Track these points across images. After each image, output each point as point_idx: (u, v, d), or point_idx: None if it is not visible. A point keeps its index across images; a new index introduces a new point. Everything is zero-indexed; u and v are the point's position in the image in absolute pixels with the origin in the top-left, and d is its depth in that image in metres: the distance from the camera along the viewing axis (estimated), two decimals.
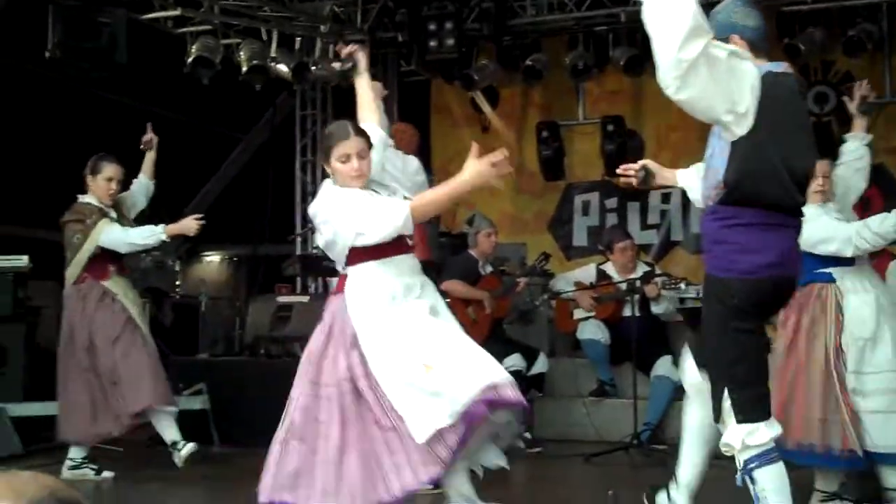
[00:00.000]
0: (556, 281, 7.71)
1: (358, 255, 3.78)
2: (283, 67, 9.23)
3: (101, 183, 5.92)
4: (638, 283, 6.95)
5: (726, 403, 3.50)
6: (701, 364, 3.81)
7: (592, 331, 7.28)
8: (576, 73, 9.24)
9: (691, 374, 3.91)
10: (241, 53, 9.06)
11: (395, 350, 3.68)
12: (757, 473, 3.47)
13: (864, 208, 5.79)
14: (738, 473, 3.52)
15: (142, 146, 6.28)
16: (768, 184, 3.47)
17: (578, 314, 7.44)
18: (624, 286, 7.09)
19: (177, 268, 8.48)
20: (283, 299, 7.70)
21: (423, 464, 3.55)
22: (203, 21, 8.94)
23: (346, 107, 9.41)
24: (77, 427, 5.79)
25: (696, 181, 3.97)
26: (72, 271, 5.85)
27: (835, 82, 8.96)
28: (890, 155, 8.63)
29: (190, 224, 5.88)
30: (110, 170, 5.95)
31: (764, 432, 3.48)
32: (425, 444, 3.54)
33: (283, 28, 9.26)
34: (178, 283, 8.46)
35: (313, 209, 3.87)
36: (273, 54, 9.16)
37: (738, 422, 3.47)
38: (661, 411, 6.88)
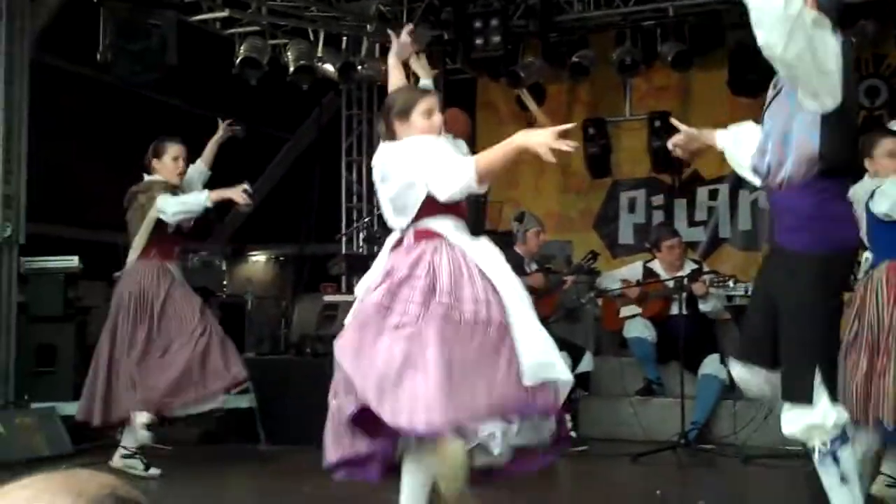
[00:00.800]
0: (603, 279, 7.65)
1: (434, 208, 3.66)
2: (329, 67, 9.28)
3: (168, 163, 5.90)
4: (685, 281, 6.88)
5: (817, 381, 3.43)
6: (749, 359, 3.75)
7: (639, 329, 7.23)
8: (623, 69, 9.16)
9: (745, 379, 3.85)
10: (289, 54, 9.13)
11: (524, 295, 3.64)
12: (841, 453, 3.47)
13: None
14: (820, 455, 3.49)
15: (231, 132, 6.35)
16: (854, 154, 3.58)
17: (625, 312, 7.39)
18: (671, 284, 7.03)
19: (223, 267, 8.54)
20: (329, 298, 7.72)
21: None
22: (251, 22, 9.02)
23: None
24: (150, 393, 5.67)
25: (742, 153, 3.85)
26: (137, 242, 5.80)
27: (887, 76, 8.81)
28: None
29: (236, 192, 5.81)
30: (175, 149, 5.92)
31: (843, 411, 3.51)
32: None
33: (329, 28, 9.31)
34: (224, 282, 8.53)
35: (384, 157, 3.77)
36: (319, 54, 9.21)
37: (832, 400, 3.46)
38: (709, 410, 6.81)
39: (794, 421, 3.51)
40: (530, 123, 10.14)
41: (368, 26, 9.39)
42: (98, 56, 7.42)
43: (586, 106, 10.02)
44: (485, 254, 3.66)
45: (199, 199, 5.83)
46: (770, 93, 3.69)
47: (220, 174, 6.35)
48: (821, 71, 3.36)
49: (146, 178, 5.96)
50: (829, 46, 3.38)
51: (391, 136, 3.81)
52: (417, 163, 3.65)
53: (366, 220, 10.00)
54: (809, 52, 3.31)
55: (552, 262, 7.76)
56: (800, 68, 3.35)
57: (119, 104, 9.03)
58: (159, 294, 5.77)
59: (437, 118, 3.79)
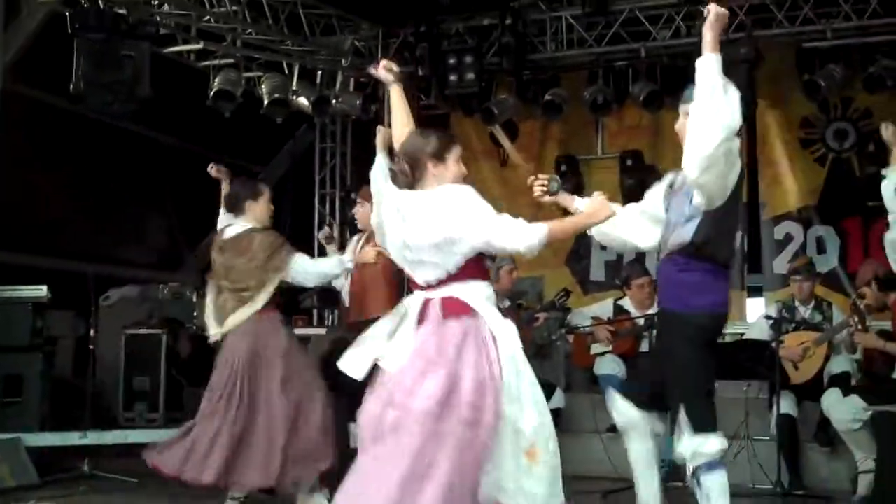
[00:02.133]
0: (574, 316, 7.68)
1: (472, 269, 3.60)
2: (303, 101, 9.31)
3: (263, 206, 5.60)
4: (655, 319, 6.90)
5: (681, 417, 4.11)
6: (637, 401, 4.43)
7: (610, 366, 7.25)
8: (595, 108, 9.25)
9: (625, 411, 4.46)
10: (263, 87, 9.15)
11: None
12: (708, 476, 4.06)
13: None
14: (693, 476, 4.12)
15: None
16: (725, 247, 4.15)
17: (596, 349, 7.41)
18: (641, 321, 7.06)
19: (194, 298, 8.50)
20: (300, 331, 7.69)
21: None
22: (225, 55, 9.03)
23: (365, 140, 9.51)
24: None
25: (632, 225, 4.47)
26: (261, 297, 5.38)
27: (854, 118, 8.94)
28: None
29: (370, 253, 5.63)
30: (268, 192, 5.66)
31: (724, 441, 4.12)
32: None
33: (304, 62, 9.35)
34: (195, 313, 8.48)
35: (414, 202, 3.62)
36: (294, 87, 9.24)
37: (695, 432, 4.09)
38: None
39: (688, 446, 4.10)
40: (503, 160, 10.24)
41: (343, 60, 9.44)
42: (71, 87, 7.38)
43: (559, 143, 10.10)
44: (509, 338, 3.61)
45: (336, 266, 5.65)
46: (667, 181, 4.38)
47: (193, 206, 6.32)
48: (722, 188, 4.01)
49: (233, 218, 5.58)
50: (735, 169, 4.01)
51: (415, 178, 3.66)
52: (466, 217, 3.52)
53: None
54: (719, 181, 3.97)
55: (524, 299, 7.79)
56: (705, 188, 3.99)
57: (92, 135, 8.99)
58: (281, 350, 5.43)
59: (463, 168, 3.75)
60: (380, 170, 4.04)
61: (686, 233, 4.12)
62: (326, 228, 6.55)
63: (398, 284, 5.69)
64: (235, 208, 5.58)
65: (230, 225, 5.57)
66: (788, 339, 6.36)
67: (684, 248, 4.12)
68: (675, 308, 4.19)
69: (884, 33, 8.40)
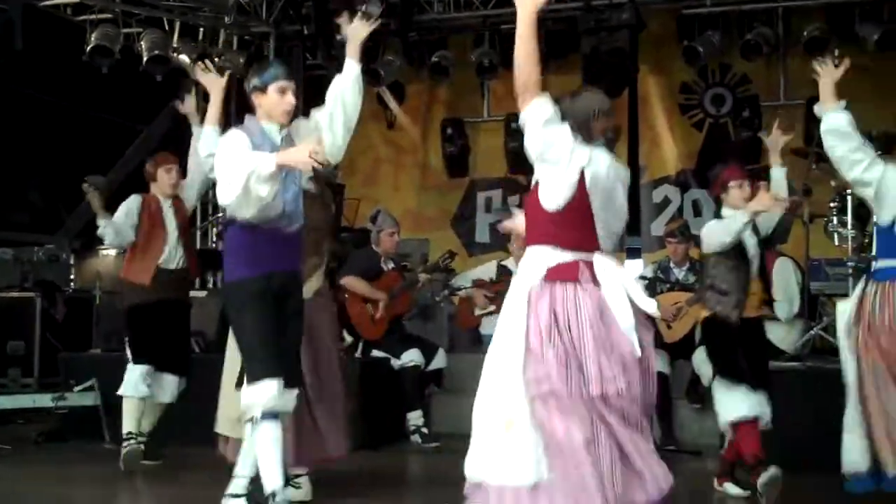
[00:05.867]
0: (458, 279, 7.75)
1: None
2: (185, 58, 9.08)
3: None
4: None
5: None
6: None
7: (495, 326, 7.31)
8: (481, 71, 9.29)
9: None
10: (143, 43, 8.90)
11: None
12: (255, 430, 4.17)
13: None
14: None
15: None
16: None
17: (479, 310, 7.49)
18: None
19: (71, 261, 8.28)
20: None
21: None
22: (103, 9, 8.75)
23: (248, 99, 9.36)
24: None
25: None
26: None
27: (732, 85, 9.18)
28: (785, 155, 8.86)
29: None
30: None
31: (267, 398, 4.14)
32: None
33: (185, 18, 9.12)
34: (71, 276, 8.27)
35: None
36: (175, 45, 9.01)
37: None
38: None
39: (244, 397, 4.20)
40: (390, 122, 10.21)
41: (226, 18, 9.24)
42: None
43: (445, 106, 10.12)
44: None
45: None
46: None
47: (71, 165, 6.15)
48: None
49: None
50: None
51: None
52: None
53: (220, 214, 9.82)
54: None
55: (409, 261, 7.81)
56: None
57: None
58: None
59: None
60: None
61: None
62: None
63: None
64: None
65: None
66: (663, 300, 6.52)
67: None
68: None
69: (759, 1, 8.65)
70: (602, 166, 3.34)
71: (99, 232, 5.98)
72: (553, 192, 3.34)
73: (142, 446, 5.79)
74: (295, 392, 4.34)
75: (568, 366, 3.23)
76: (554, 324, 3.28)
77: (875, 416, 4.20)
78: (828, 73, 4.34)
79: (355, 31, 4.57)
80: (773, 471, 4.70)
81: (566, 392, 3.21)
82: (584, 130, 3.38)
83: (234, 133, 4.25)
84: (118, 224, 5.92)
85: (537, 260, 3.38)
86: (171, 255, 5.95)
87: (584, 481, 3.15)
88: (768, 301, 5.47)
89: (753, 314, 5.08)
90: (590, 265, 3.33)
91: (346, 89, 4.48)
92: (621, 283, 3.34)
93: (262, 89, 4.34)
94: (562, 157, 3.31)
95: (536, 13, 3.39)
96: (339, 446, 4.88)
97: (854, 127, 4.26)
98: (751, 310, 5.04)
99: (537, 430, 3.25)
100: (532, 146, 3.36)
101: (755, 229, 5.01)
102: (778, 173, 5.16)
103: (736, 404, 4.88)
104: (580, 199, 3.33)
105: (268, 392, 4.14)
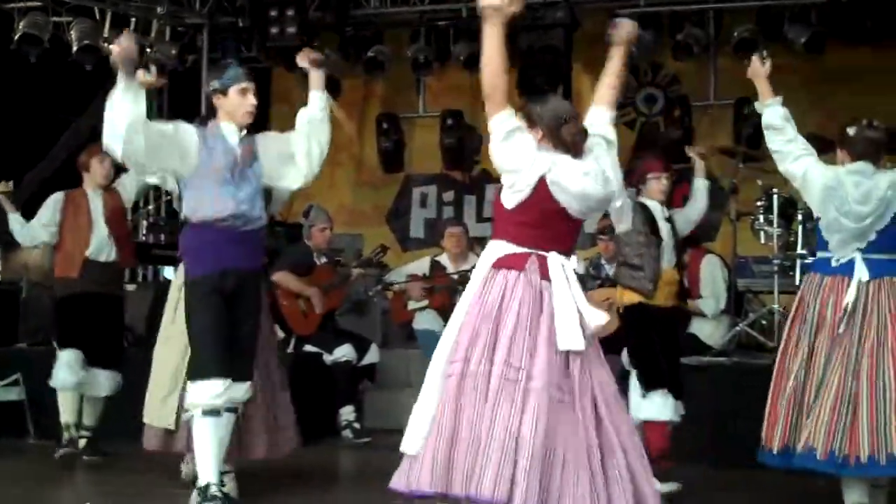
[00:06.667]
0: (391, 274, 7.75)
1: None
2: (116, 48, 8.92)
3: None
4: (470, 274, 7.03)
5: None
6: None
7: (429, 321, 7.35)
8: (417, 67, 9.30)
9: None
10: (72, 32, 8.75)
11: None
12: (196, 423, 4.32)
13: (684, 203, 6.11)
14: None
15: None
16: None
17: (413, 305, 7.50)
18: (456, 276, 7.19)
19: None
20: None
21: None
22: None
23: (183, 90, 9.26)
24: None
25: None
26: None
27: (663, 84, 9.30)
28: (713, 155, 9.01)
29: None
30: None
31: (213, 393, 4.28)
32: None
33: (117, 8, 8.99)
34: None
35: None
36: (106, 34, 8.86)
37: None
38: None
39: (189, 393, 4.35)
40: None
41: (159, 8, 9.12)
42: None
43: (381, 101, 10.11)
44: None
45: None
46: None
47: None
48: None
49: None
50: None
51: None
52: None
53: (150, 207, 9.70)
54: None
55: (342, 256, 7.78)
56: None
57: None
58: None
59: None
60: None
61: None
62: None
63: None
64: None
65: None
66: (594, 295, 6.60)
67: None
68: None
69: (691, 3, 8.78)
70: (565, 171, 3.44)
71: (10, 229, 5.99)
72: (511, 193, 3.47)
73: (82, 441, 5.77)
74: (247, 385, 4.44)
75: (485, 346, 3.31)
76: (485, 306, 3.38)
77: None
78: (757, 71, 4.46)
79: (316, 62, 4.72)
80: (674, 486, 4.82)
81: (475, 371, 3.28)
82: (554, 135, 3.49)
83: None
84: (32, 226, 5.97)
85: (492, 252, 3.50)
86: (100, 247, 5.87)
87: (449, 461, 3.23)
88: (686, 294, 5.55)
89: (669, 304, 5.19)
90: (542, 260, 3.42)
91: (314, 124, 4.64)
92: (574, 284, 3.43)
93: (223, 91, 4.44)
94: (522, 165, 3.42)
95: (504, 23, 3.46)
96: (279, 442, 4.87)
97: (788, 120, 4.40)
98: (666, 299, 5.14)
99: (436, 405, 3.35)
100: (495, 155, 3.48)
101: (671, 220, 5.16)
102: (700, 183, 5.47)
103: (649, 407, 4.97)
104: (537, 201, 3.43)
105: (211, 391, 4.28)
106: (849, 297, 4.21)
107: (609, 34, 3.73)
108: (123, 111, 4.22)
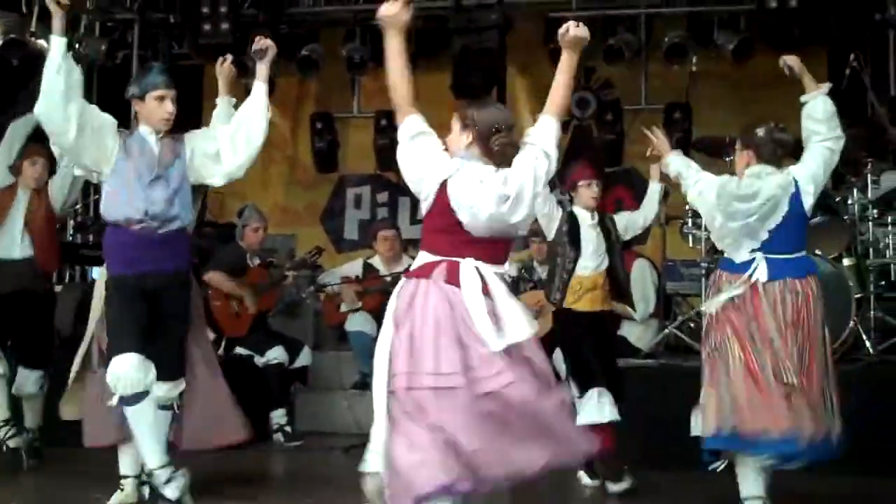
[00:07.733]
0: (324, 276, 7.72)
1: None
2: (43, 43, 8.76)
3: None
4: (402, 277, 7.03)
5: None
6: None
7: (361, 323, 7.33)
8: (351, 66, 9.26)
9: None
10: None
11: None
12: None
13: (616, 209, 6.18)
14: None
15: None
16: None
17: (346, 307, 7.47)
18: (389, 279, 7.18)
19: None
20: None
21: None
22: None
23: (111, 86, 9.09)
24: None
25: None
26: None
27: (595, 88, 9.38)
28: (644, 160, 9.12)
29: None
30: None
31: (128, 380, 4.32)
32: None
33: (44, 1, 8.78)
34: None
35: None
36: (33, 29, 8.68)
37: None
38: None
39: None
40: None
41: (88, 3, 8.96)
42: None
43: (315, 100, 10.06)
44: None
45: None
46: None
47: None
48: None
49: None
50: None
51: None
52: None
53: (77, 206, 9.51)
54: None
55: (275, 256, 7.73)
56: None
57: None
58: None
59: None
60: None
61: None
62: None
63: None
64: None
65: None
66: (526, 298, 6.64)
67: None
68: None
69: (624, 7, 8.88)
70: (464, 179, 3.37)
71: None
72: (422, 201, 3.43)
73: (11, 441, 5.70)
74: (177, 382, 4.50)
75: (410, 354, 3.29)
76: (400, 316, 3.36)
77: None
78: (795, 62, 4.52)
79: (265, 54, 4.72)
80: (627, 484, 4.99)
81: (408, 383, 3.28)
82: (483, 143, 3.45)
83: None
84: None
85: (415, 263, 3.47)
86: (10, 244, 5.73)
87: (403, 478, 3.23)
88: (622, 295, 5.61)
89: (599, 308, 5.25)
90: (454, 266, 3.36)
91: (252, 117, 4.65)
92: (497, 289, 3.37)
93: (141, 97, 4.48)
94: (425, 171, 3.39)
95: (404, 29, 3.50)
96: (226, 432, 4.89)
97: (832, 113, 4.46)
98: (593, 304, 5.20)
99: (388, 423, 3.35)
100: (400, 164, 3.45)
101: (603, 225, 5.24)
102: (655, 187, 5.54)
103: (588, 410, 5.02)
104: (441, 208, 3.37)
105: (125, 363, 4.28)
106: (739, 291, 4.29)
107: (560, 37, 3.67)
108: (60, 80, 4.26)
